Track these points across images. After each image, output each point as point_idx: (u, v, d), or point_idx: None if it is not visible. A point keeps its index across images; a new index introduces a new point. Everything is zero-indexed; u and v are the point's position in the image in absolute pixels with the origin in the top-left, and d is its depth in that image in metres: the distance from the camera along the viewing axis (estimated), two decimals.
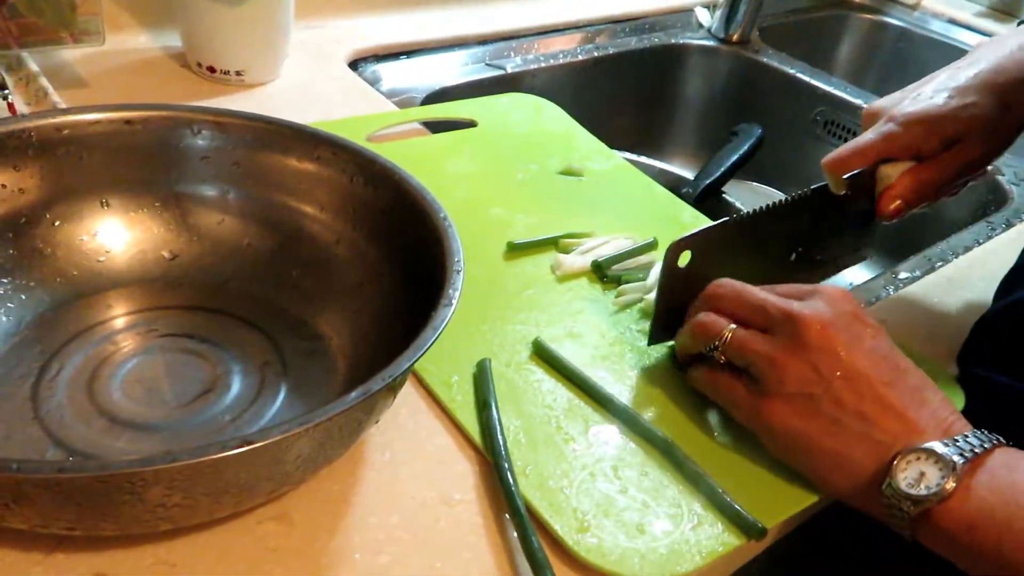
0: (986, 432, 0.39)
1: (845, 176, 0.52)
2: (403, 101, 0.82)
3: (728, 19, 1.08)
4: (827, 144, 1.05)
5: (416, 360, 0.34)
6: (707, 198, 0.93)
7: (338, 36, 0.86)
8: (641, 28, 1.07)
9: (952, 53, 1.19)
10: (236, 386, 0.43)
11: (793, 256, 0.54)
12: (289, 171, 0.49)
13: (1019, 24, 1.18)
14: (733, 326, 0.43)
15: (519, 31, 0.98)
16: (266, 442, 0.29)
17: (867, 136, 0.52)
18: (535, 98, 0.79)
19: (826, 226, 0.54)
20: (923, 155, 0.51)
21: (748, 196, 1.09)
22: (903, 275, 0.68)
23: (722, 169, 0.93)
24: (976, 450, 0.37)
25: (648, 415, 0.45)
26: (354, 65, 0.85)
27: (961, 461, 0.37)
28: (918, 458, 0.37)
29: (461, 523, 0.38)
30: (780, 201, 0.51)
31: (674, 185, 0.95)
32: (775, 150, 1.06)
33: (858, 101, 1.00)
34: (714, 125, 1.10)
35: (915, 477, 0.37)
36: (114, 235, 0.47)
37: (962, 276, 0.67)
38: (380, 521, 0.38)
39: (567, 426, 0.44)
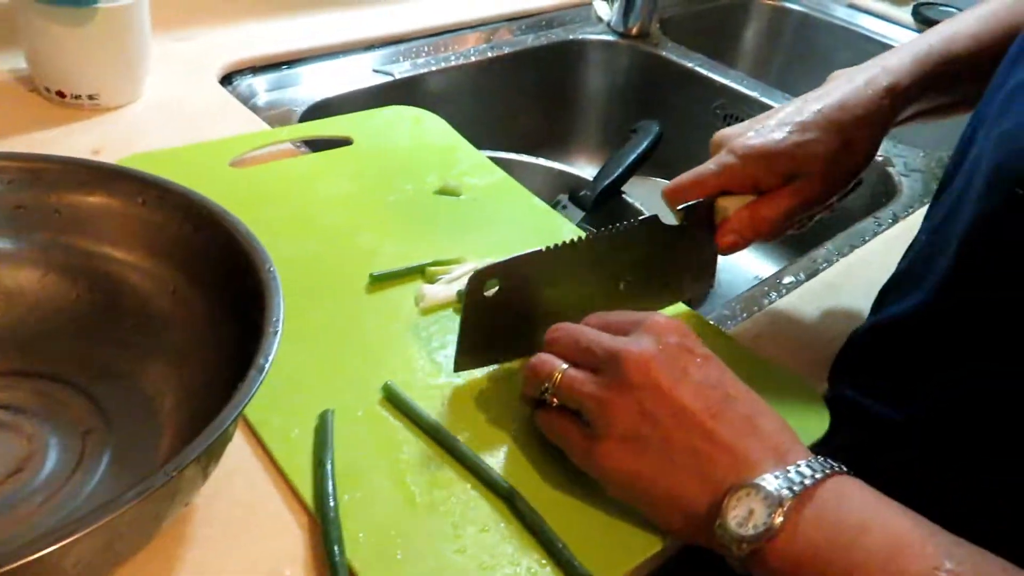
0: (822, 459, 0.38)
1: (679, 207, 0.52)
2: (281, 116, 0.79)
3: (626, 12, 1.06)
4: None
5: (210, 444, 0.32)
6: (607, 199, 0.92)
7: (210, 48, 0.81)
8: (539, 25, 1.05)
9: (852, 38, 1.20)
10: (52, 461, 0.40)
11: (622, 285, 0.52)
12: (115, 217, 0.46)
13: (915, 8, 1.20)
14: (565, 367, 0.42)
15: (408, 34, 0.95)
16: (17, 564, 0.26)
17: (706, 166, 0.51)
18: (415, 110, 0.76)
19: (661, 255, 0.53)
20: (761, 189, 0.51)
21: (651, 193, 1.08)
22: (787, 279, 0.68)
23: (620, 169, 0.92)
24: (807, 481, 0.36)
25: (497, 462, 0.43)
26: (229, 79, 0.81)
27: (789, 495, 0.36)
28: (747, 494, 0.36)
29: None
30: (596, 233, 0.49)
31: (574, 187, 0.94)
32: (678, 144, 1.05)
33: (754, 94, 0.99)
34: (618, 121, 1.09)
35: (744, 515, 0.36)
36: None
37: (842, 281, 0.67)
38: None
39: (412, 480, 0.42)
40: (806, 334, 0.61)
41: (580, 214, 0.91)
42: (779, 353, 0.57)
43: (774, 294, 0.66)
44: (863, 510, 0.37)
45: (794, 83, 1.26)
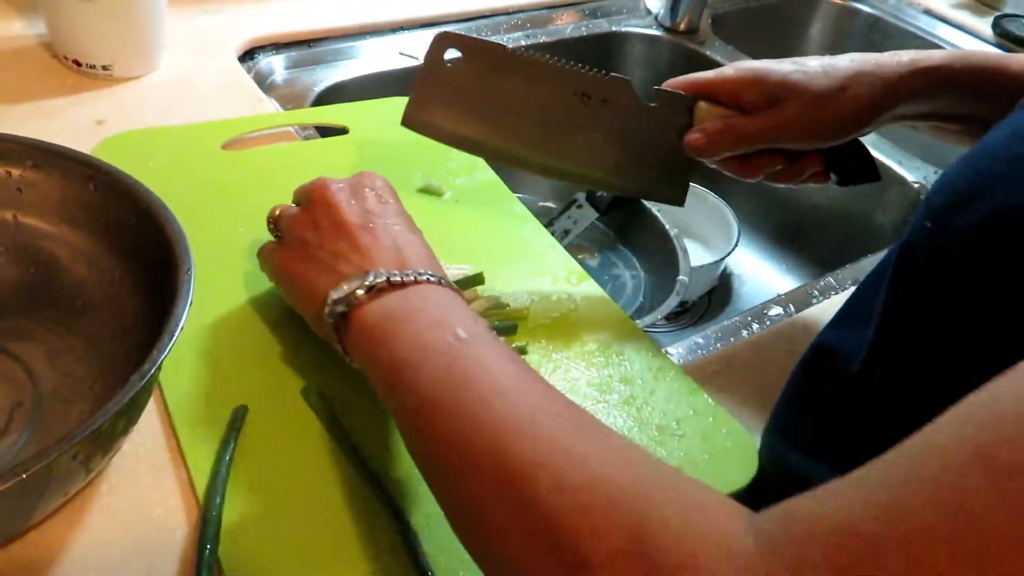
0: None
1: (657, 87, 0.56)
2: (295, 96, 0.80)
3: (674, 6, 1.02)
4: None
5: (74, 444, 0.33)
6: (623, 203, 0.89)
7: (236, 23, 0.83)
8: (582, 14, 1.02)
9: (925, 48, 1.12)
10: None
11: (579, 138, 0.55)
12: (69, 200, 0.48)
13: (996, 20, 1.11)
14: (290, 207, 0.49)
15: (441, 17, 0.94)
16: None
17: (705, 72, 0.56)
18: None
19: (631, 130, 0.56)
20: (745, 107, 0.53)
21: None
22: (773, 311, 0.65)
23: None
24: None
25: (401, 487, 0.43)
26: (251, 54, 0.82)
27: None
28: (353, 278, 0.41)
29: None
30: (565, 62, 0.54)
31: (592, 188, 0.92)
32: None
33: None
34: None
35: (343, 290, 0.41)
36: None
37: (823, 319, 0.63)
38: None
39: (311, 492, 0.42)
40: (762, 378, 0.58)
41: (595, 214, 0.90)
42: (732, 394, 0.55)
43: (755, 325, 0.63)
44: (442, 304, 0.40)
45: None
